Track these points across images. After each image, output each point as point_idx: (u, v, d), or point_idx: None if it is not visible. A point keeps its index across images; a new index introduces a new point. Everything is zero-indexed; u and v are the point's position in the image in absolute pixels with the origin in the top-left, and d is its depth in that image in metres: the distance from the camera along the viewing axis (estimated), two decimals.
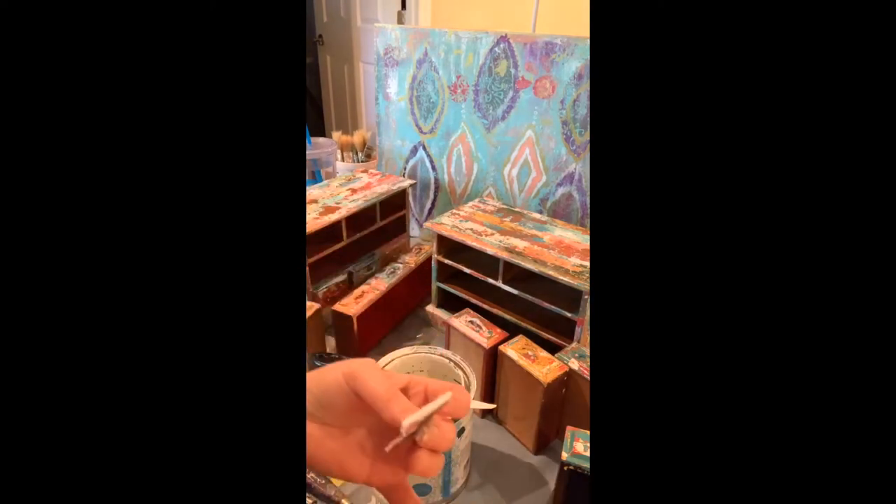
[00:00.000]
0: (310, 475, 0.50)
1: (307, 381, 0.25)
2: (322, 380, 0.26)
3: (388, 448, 0.25)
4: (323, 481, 0.50)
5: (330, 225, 0.71)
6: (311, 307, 0.63)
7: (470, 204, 0.78)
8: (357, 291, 0.71)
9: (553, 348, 0.57)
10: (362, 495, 0.52)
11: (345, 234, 0.75)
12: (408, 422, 0.23)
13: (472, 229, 0.69)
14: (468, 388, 0.51)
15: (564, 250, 0.64)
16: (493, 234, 0.68)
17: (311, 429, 0.26)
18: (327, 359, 0.55)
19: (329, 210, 0.73)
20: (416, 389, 0.26)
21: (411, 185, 0.87)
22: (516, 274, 0.65)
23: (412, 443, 0.25)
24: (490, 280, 0.66)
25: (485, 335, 0.58)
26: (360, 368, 0.25)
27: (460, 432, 0.48)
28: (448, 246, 0.71)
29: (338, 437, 0.26)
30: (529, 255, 0.62)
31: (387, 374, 0.25)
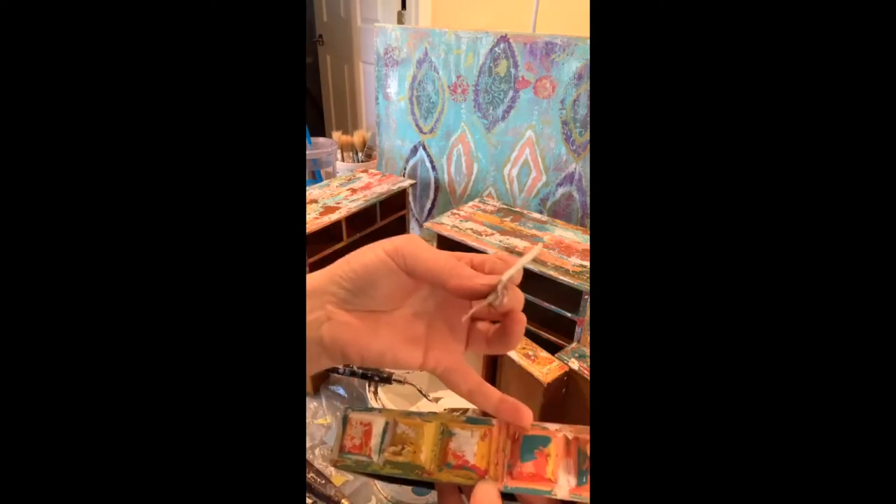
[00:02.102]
0: (310, 475, 0.50)
1: (335, 267, 0.23)
2: (358, 262, 0.23)
3: (464, 319, 0.23)
4: (323, 481, 0.50)
5: (330, 225, 0.71)
6: None
7: (470, 204, 0.78)
8: None
9: (553, 348, 0.57)
10: (362, 495, 0.52)
11: (345, 234, 0.75)
12: (506, 276, 0.21)
13: (472, 229, 0.69)
14: None
15: (564, 250, 0.64)
16: (493, 234, 0.68)
17: (348, 318, 0.23)
18: None
19: (329, 210, 0.73)
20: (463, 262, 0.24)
21: (411, 185, 0.87)
22: None
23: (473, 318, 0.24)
24: None
25: None
26: (405, 244, 0.22)
27: None
28: (448, 246, 0.71)
29: (384, 324, 0.24)
30: None
31: (432, 247, 0.23)
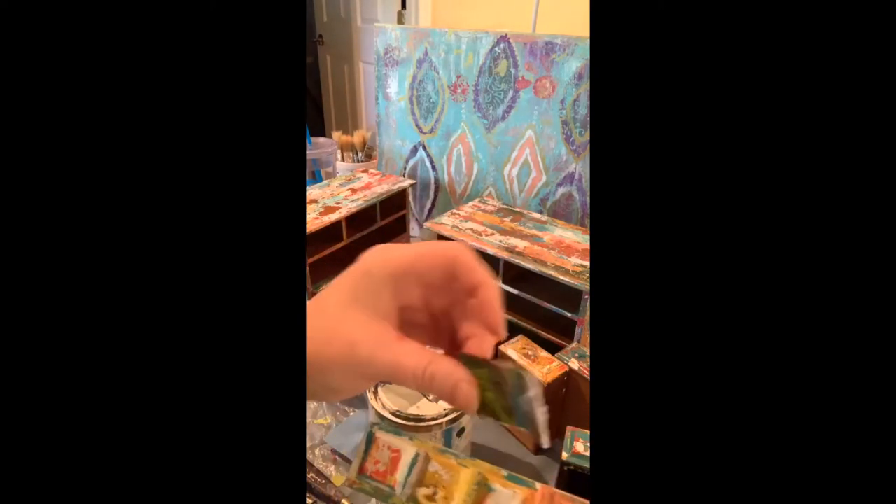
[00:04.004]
0: (310, 475, 0.50)
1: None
2: (322, 363, 0.22)
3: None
4: (323, 481, 0.50)
5: (330, 225, 0.71)
6: None
7: (470, 204, 0.78)
8: None
9: (553, 348, 0.57)
10: (363, 496, 0.52)
11: (345, 234, 0.75)
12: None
13: (472, 229, 0.69)
14: None
15: (564, 250, 0.64)
16: (493, 234, 0.68)
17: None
18: None
19: (329, 210, 0.73)
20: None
21: (411, 185, 0.87)
22: (516, 274, 0.65)
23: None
24: None
25: None
26: (370, 357, 0.21)
27: (460, 432, 0.48)
28: None
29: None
30: (529, 255, 0.62)
31: (399, 338, 0.21)
